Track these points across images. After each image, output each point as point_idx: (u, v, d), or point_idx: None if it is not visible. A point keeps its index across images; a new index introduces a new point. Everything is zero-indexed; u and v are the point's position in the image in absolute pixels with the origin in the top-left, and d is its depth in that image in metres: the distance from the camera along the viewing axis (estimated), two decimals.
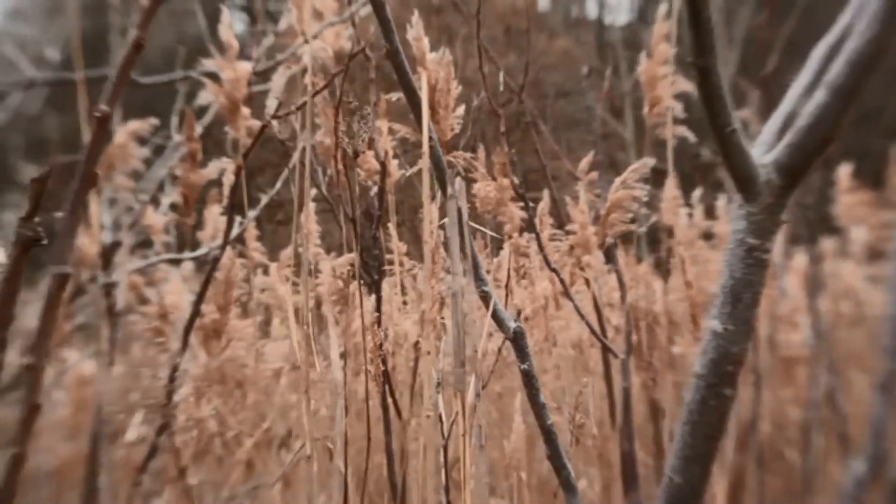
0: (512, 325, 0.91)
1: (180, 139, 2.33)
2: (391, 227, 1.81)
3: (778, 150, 0.84)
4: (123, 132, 1.61)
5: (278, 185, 2.27)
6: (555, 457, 0.92)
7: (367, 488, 1.18)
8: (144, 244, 2.41)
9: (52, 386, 2.56)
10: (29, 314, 2.26)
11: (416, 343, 2.08)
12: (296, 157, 2.22)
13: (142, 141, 1.94)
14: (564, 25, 7.90)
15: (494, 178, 2.02)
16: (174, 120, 2.36)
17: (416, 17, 1.34)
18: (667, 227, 2.63)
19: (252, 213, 1.98)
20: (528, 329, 2.24)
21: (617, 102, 6.67)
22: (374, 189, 1.72)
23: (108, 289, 1.59)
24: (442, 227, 1.78)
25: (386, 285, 2.16)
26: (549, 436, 0.91)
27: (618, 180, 1.56)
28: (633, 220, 1.67)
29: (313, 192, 2.25)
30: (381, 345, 1.12)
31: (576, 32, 7.86)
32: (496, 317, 0.93)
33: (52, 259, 0.55)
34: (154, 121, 1.71)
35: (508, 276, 1.74)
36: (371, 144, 1.69)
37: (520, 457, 1.85)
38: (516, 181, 1.82)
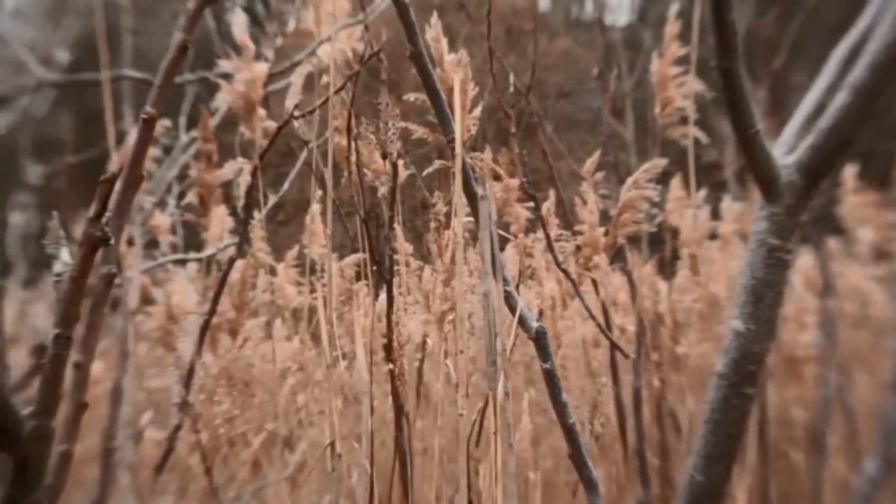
0: (534, 324, 0.92)
1: (187, 140, 2.33)
2: (396, 227, 1.82)
3: (800, 152, 0.85)
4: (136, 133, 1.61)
5: (285, 185, 2.28)
6: (577, 455, 0.93)
7: (375, 488, 1.19)
8: (150, 244, 2.41)
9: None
10: (35, 314, 2.26)
11: (424, 343, 2.09)
12: (302, 157, 2.23)
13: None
14: (565, 26, 7.91)
15: (499, 179, 2.03)
16: (181, 121, 2.36)
17: (434, 19, 1.35)
18: (670, 227, 2.65)
19: (260, 214, 1.99)
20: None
21: (618, 103, 6.68)
22: (380, 189, 1.72)
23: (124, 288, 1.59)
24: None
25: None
26: (571, 434, 0.92)
27: (629, 180, 1.57)
28: (642, 221, 1.68)
29: (318, 192, 2.26)
30: (402, 344, 1.12)
31: (576, 33, 7.87)
32: (519, 316, 0.94)
33: (102, 261, 0.55)
34: (166, 122, 1.71)
35: (520, 276, 1.74)
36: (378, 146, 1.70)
37: (526, 456, 1.86)
38: (524, 181, 1.82)
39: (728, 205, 2.61)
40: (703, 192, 2.64)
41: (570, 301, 2.45)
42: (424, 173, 1.49)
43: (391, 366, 1.21)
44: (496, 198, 2.08)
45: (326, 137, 1.28)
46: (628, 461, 1.97)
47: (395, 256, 1.87)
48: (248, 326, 2.15)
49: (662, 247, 2.82)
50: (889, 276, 2.44)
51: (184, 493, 1.83)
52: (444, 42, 1.39)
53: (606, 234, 2.07)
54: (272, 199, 2.16)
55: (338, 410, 1.07)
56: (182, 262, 2.21)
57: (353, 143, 1.59)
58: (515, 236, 2.22)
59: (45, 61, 2.02)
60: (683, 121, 1.76)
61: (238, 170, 1.42)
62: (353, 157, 1.56)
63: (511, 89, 1.74)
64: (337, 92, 1.27)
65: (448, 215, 1.57)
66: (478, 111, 1.42)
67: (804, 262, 2.56)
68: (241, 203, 1.36)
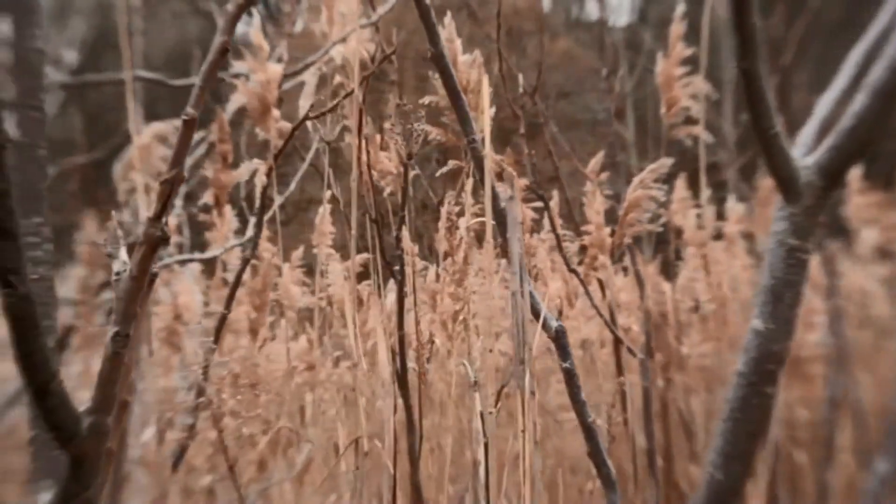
0: (554, 324, 0.92)
1: (195, 140, 2.33)
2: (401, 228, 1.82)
3: (819, 153, 0.86)
4: (148, 133, 1.62)
5: (292, 185, 2.29)
6: (595, 453, 0.93)
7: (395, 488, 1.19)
8: None
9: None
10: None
11: (432, 343, 2.09)
12: (309, 158, 2.23)
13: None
14: (565, 26, 7.93)
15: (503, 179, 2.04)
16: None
17: (448, 19, 1.36)
18: (673, 227, 2.65)
19: (267, 214, 1.99)
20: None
21: (618, 103, 6.68)
22: (385, 189, 1.73)
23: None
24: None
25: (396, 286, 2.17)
26: (589, 433, 0.92)
27: (635, 180, 1.58)
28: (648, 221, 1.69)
29: (328, 193, 2.26)
30: (423, 344, 1.12)
31: (576, 33, 7.88)
32: (538, 316, 0.94)
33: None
34: (177, 122, 1.72)
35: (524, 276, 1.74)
36: (384, 146, 1.71)
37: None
38: (532, 182, 1.83)
39: (732, 205, 2.62)
40: (707, 193, 2.64)
41: (575, 301, 2.45)
42: (438, 173, 1.49)
43: (413, 365, 1.21)
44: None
45: (331, 137, 1.29)
46: (636, 461, 1.98)
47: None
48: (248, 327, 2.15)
49: (664, 247, 2.82)
50: (893, 276, 2.45)
51: (190, 494, 1.83)
52: (458, 43, 1.40)
53: (612, 234, 2.08)
54: (278, 200, 2.16)
55: (363, 409, 1.08)
56: (189, 263, 2.21)
57: (363, 143, 1.60)
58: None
59: (53, 61, 2.02)
60: (687, 121, 1.77)
61: (253, 170, 1.43)
62: (364, 158, 1.57)
63: (521, 90, 1.75)
64: (349, 94, 1.27)
65: (460, 215, 1.57)
66: (492, 111, 1.42)
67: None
68: (255, 203, 1.36)
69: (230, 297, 1.40)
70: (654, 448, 1.63)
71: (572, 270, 1.69)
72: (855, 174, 2.32)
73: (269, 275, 1.51)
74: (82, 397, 1.65)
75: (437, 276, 2.17)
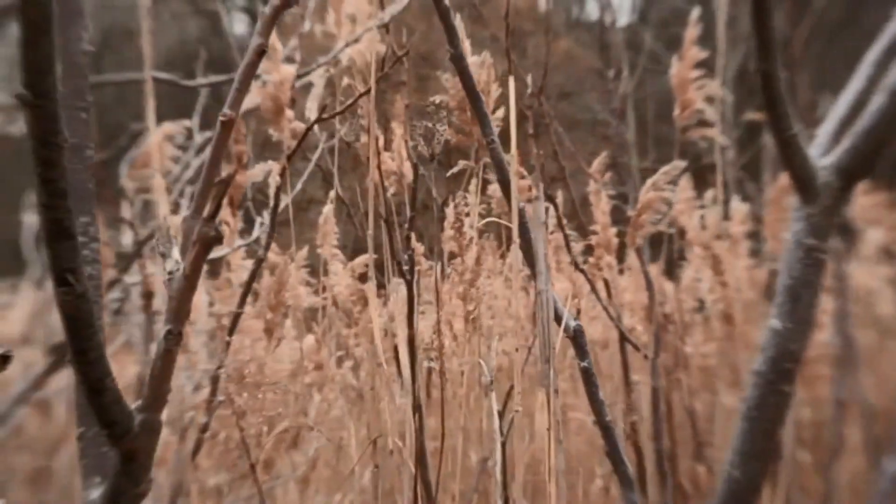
0: (572, 323, 0.93)
1: (202, 140, 2.34)
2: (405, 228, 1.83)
3: (837, 154, 0.86)
4: (158, 134, 1.63)
5: (298, 185, 2.29)
6: (613, 452, 0.94)
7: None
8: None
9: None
10: (50, 313, 2.26)
11: (439, 343, 2.09)
12: (315, 158, 2.24)
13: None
14: (566, 27, 7.94)
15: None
16: (195, 121, 2.37)
17: (458, 21, 1.36)
18: (678, 228, 2.66)
19: (273, 215, 2.00)
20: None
21: (618, 104, 6.67)
22: (389, 189, 1.74)
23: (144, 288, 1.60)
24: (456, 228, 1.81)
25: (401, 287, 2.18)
26: (607, 432, 0.93)
27: (648, 182, 1.58)
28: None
29: (332, 193, 2.27)
30: (443, 343, 1.13)
31: (577, 33, 7.89)
32: (556, 315, 0.95)
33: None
34: (187, 123, 1.72)
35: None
36: (388, 146, 1.71)
37: (540, 456, 1.87)
38: (540, 182, 1.83)
39: (736, 205, 2.62)
40: (710, 193, 2.65)
41: (580, 301, 2.46)
42: (449, 174, 1.50)
43: (433, 364, 1.22)
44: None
45: (351, 138, 1.29)
46: (642, 461, 1.99)
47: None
48: (256, 326, 2.15)
49: (664, 247, 2.83)
50: None
51: (199, 493, 1.84)
52: (468, 44, 1.40)
53: (618, 234, 2.08)
54: (285, 200, 2.17)
55: (388, 408, 1.08)
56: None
57: (375, 144, 1.60)
58: None
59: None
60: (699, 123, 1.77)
61: (268, 171, 1.44)
62: (375, 158, 1.58)
63: (529, 90, 1.75)
64: (366, 93, 1.28)
65: (479, 215, 1.58)
66: (501, 112, 1.43)
67: None
68: (268, 203, 1.37)
69: (243, 297, 1.41)
70: (662, 448, 1.64)
71: (581, 271, 1.69)
72: None
73: (283, 274, 1.52)
74: None
75: (443, 275, 2.18)
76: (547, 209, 2.08)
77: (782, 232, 1.94)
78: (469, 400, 1.70)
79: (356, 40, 1.39)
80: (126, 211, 2.30)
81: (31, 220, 2.67)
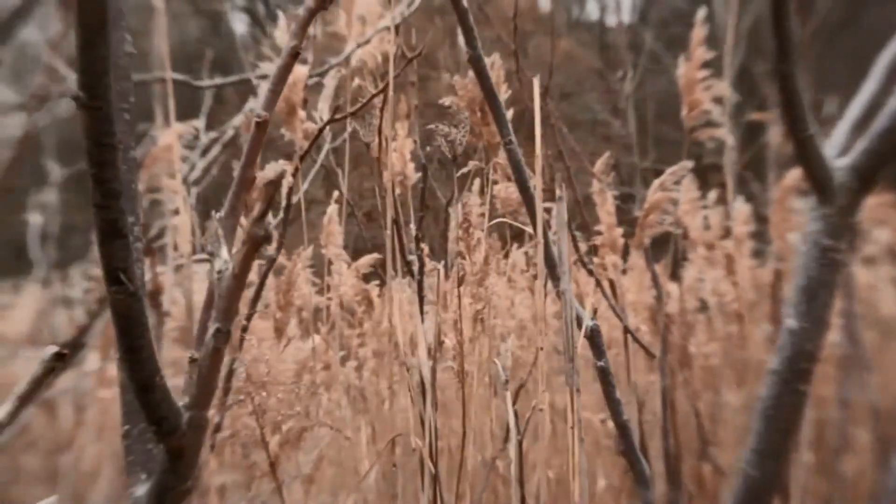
0: (589, 322, 0.94)
1: (207, 140, 2.34)
2: (413, 228, 1.83)
3: (854, 155, 0.87)
4: (169, 134, 1.63)
5: (304, 186, 2.29)
6: (629, 451, 0.94)
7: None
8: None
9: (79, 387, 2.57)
10: (56, 313, 2.26)
11: (442, 343, 2.10)
12: (321, 159, 2.24)
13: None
14: (566, 27, 7.94)
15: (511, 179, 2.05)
16: (201, 122, 2.37)
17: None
18: (682, 228, 2.66)
19: (286, 215, 2.00)
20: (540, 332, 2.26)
21: (619, 104, 6.70)
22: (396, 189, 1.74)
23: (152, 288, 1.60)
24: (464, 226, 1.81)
25: (405, 287, 2.18)
26: (624, 430, 0.94)
27: (656, 182, 1.59)
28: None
29: (336, 193, 2.27)
30: (462, 343, 1.13)
31: (577, 33, 7.90)
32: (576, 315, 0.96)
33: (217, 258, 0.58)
34: (197, 123, 1.73)
35: (546, 277, 1.76)
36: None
37: (546, 456, 1.87)
38: (548, 183, 1.84)
39: (740, 205, 2.63)
40: (713, 193, 2.66)
41: (584, 301, 2.46)
42: (459, 173, 1.51)
43: (454, 362, 1.22)
44: (511, 198, 2.10)
45: (371, 139, 1.30)
46: (649, 460, 1.99)
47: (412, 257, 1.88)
48: (261, 327, 2.16)
49: (667, 247, 2.83)
50: None
51: (204, 492, 1.84)
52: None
53: (624, 235, 2.09)
54: (294, 199, 2.17)
55: (412, 407, 1.09)
56: (204, 262, 2.22)
57: (384, 145, 1.61)
58: (532, 237, 2.23)
59: (70, 62, 2.02)
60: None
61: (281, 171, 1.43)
62: (385, 159, 1.58)
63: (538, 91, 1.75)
64: (375, 96, 1.28)
65: (482, 215, 1.59)
66: (510, 113, 1.43)
67: None
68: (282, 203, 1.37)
69: (256, 297, 1.41)
70: (670, 447, 1.64)
71: (590, 271, 1.70)
72: None
73: (292, 274, 1.52)
74: (101, 395, 1.66)
75: (447, 275, 2.18)
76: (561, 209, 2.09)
77: (788, 232, 1.94)
78: (478, 399, 1.70)
79: (367, 41, 1.39)
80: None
81: (36, 220, 2.68)
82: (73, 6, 0.34)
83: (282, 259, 2.53)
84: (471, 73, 1.43)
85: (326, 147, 2.17)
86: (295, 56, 0.54)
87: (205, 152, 2.31)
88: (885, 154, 0.86)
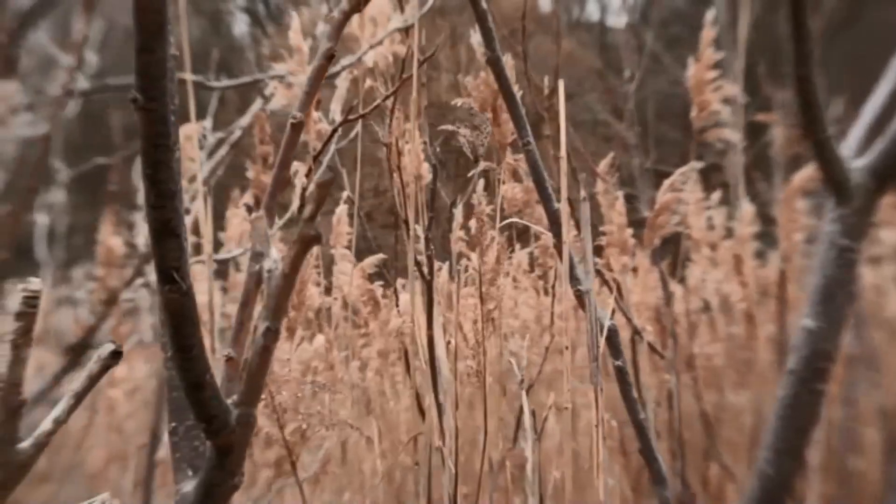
0: (607, 322, 0.94)
1: (214, 141, 2.35)
2: (419, 228, 1.84)
3: (871, 156, 0.88)
4: (180, 135, 1.63)
5: (311, 186, 2.29)
6: (646, 450, 0.95)
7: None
8: None
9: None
10: (63, 313, 2.26)
11: (449, 344, 2.10)
12: (327, 159, 2.25)
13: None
14: (567, 27, 7.95)
15: (520, 180, 2.06)
16: (208, 123, 2.38)
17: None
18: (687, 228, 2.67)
19: (302, 216, 2.00)
20: (558, 331, 2.27)
21: (619, 104, 6.70)
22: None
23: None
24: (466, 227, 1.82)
25: (410, 287, 2.19)
26: (641, 429, 0.94)
27: (666, 183, 1.60)
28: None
29: (344, 194, 2.28)
30: (481, 342, 1.14)
31: (577, 34, 7.91)
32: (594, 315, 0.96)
33: (251, 258, 0.58)
34: (207, 124, 1.73)
35: (555, 277, 1.77)
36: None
37: (553, 456, 1.88)
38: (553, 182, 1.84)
39: (745, 206, 2.64)
40: (717, 194, 2.67)
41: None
42: (470, 174, 1.51)
43: (473, 361, 1.23)
44: (517, 199, 2.11)
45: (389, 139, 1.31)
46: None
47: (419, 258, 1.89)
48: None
49: (671, 248, 2.84)
50: None
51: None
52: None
53: (633, 235, 2.09)
54: (296, 201, 2.18)
55: (434, 406, 1.09)
56: (214, 262, 2.22)
57: (396, 146, 1.62)
58: (538, 237, 2.24)
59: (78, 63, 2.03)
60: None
61: (294, 171, 1.44)
62: (396, 160, 1.59)
63: (546, 91, 1.77)
64: (390, 96, 1.29)
65: (492, 216, 1.59)
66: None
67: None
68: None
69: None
70: (678, 447, 1.65)
71: (598, 272, 1.71)
72: None
73: (305, 273, 1.53)
74: (110, 395, 1.66)
75: (451, 276, 2.19)
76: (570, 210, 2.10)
77: (795, 233, 1.95)
78: (479, 400, 1.71)
79: (379, 42, 1.40)
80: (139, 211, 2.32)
81: (43, 220, 2.68)
82: (132, 9, 0.35)
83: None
84: (481, 74, 1.44)
85: (332, 148, 2.18)
86: (330, 58, 0.54)
87: (211, 153, 2.31)
88: None
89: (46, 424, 0.48)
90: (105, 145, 2.91)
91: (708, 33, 1.69)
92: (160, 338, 0.65)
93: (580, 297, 0.95)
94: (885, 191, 0.88)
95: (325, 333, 2.48)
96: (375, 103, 1.28)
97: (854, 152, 0.93)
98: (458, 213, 2.25)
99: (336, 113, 1.37)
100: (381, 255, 2.34)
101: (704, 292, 2.69)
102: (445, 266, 2.11)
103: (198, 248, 2.58)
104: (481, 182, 1.71)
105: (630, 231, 2.03)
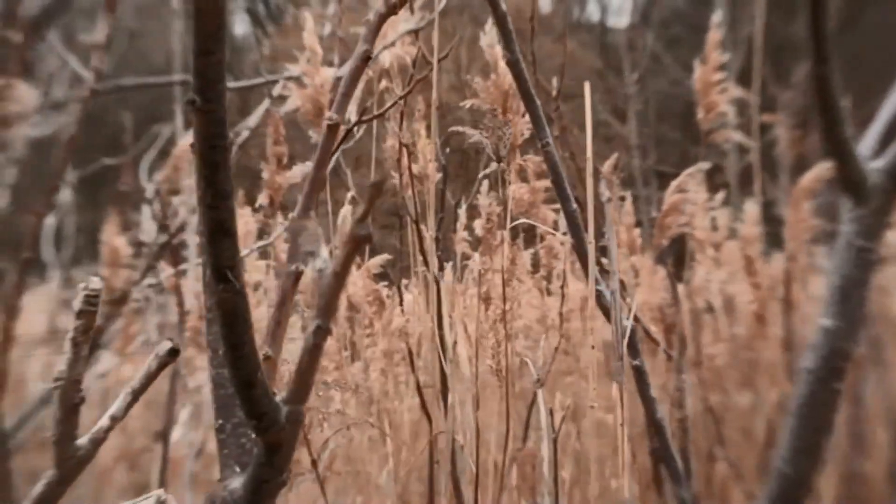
0: (627, 322, 0.95)
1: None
2: (424, 228, 1.85)
3: (889, 157, 0.88)
4: (189, 136, 1.63)
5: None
6: (664, 449, 0.96)
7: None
8: (180, 245, 2.43)
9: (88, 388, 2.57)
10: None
11: (455, 344, 2.11)
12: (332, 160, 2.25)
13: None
14: (568, 28, 7.95)
15: (526, 181, 2.07)
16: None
17: (489, 25, 1.38)
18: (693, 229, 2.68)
19: (291, 217, 2.01)
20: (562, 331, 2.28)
21: (619, 104, 6.72)
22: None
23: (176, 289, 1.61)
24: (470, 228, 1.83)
25: (413, 288, 2.20)
26: (659, 429, 0.95)
27: (674, 184, 1.61)
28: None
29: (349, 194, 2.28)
30: (500, 342, 1.15)
31: (578, 35, 7.93)
32: (606, 313, 0.97)
33: (289, 258, 0.59)
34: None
35: (564, 278, 1.78)
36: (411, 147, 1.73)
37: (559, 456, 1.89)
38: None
39: (749, 206, 2.65)
40: (720, 195, 2.68)
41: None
42: (481, 175, 1.52)
43: (492, 361, 1.24)
44: (523, 200, 2.12)
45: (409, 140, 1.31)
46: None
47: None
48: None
49: (674, 248, 2.84)
50: None
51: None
52: (498, 48, 1.42)
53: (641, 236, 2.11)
54: (301, 202, 2.18)
55: (459, 406, 1.10)
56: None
57: (404, 147, 1.62)
58: (543, 238, 2.25)
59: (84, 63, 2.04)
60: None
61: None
62: (407, 161, 1.60)
63: (554, 93, 1.77)
64: (402, 97, 1.30)
65: (501, 216, 1.60)
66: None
67: (823, 262, 2.61)
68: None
69: (291, 296, 1.42)
70: (688, 446, 1.66)
71: (605, 272, 1.71)
72: None
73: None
74: (117, 394, 1.65)
75: (455, 276, 2.20)
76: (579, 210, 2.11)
77: (804, 233, 1.96)
78: (495, 398, 1.71)
79: (392, 44, 1.40)
80: (146, 212, 2.32)
81: (49, 221, 2.69)
82: (190, 13, 0.36)
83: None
84: (491, 76, 1.45)
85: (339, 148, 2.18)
86: (367, 59, 0.55)
87: None
88: None
89: (104, 421, 0.49)
90: (106, 146, 2.91)
91: (714, 35, 1.69)
92: (206, 337, 0.66)
93: (601, 298, 0.95)
94: None
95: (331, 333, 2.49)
96: (391, 103, 1.29)
97: (871, 153, 0.93)
98: (463, 213, 2.27)
99: (351, 113, 1.37)
100: (386, 256, 2.34)
101: (709, 293, 2.69)
102: (448, 266, 2.12)
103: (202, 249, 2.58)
104: (485, 183, 1.72)
105: (638, 231, 2.04)
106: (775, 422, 2.12)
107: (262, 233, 2.15)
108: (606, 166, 2.40)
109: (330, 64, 1.32)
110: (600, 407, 2.13)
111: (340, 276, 0.39)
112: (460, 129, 1.24)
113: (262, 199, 1.29)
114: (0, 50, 1.33)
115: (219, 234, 0.41)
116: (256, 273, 2.40)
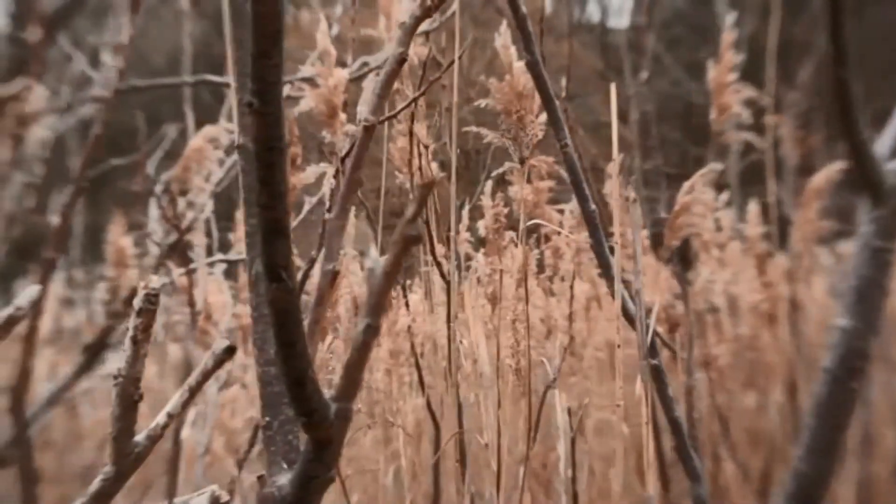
0: (650, 323, 0.96)
1: (229, 141, 2.35)
2: (433, 230, 1.85)
3: None
4: (200, 137, 1.65)
5: (324, 187, 2.30)
6: (681, 447, 0.96)
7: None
8: (186, 245, 2.43)
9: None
10: (76, 313, 2.26)
11: (472, 345, 2.12)
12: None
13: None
14: (569, 28, 7.94)
15: (530, 181, 2.07)
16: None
17: (504, 26, 1.39)
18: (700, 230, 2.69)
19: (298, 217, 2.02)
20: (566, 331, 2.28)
21: (622, 105, 6.71)
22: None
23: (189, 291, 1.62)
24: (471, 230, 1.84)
25: (416, 289, 2.20)
26: (676, 427, 0.96)
27: (686, 185, 1.62)
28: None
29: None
30: (519, 342, 1.16)
31: (580, 35, 7.92)
32: (626, 314, 0.98)
33: (325, 258, 0.59)
34: (230, 125, 1.75)
35: (573, 278, 1.78)
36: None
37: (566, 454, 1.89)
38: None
39: (753, 207, 2.66)
40: (725, 195, 2.69)
41: (601, 303, 2.50)
42: (494, 174, 1.53)
43: (511, 360, 1.24)
44: (527, 200, 2.12)
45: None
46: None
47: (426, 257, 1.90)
48: None
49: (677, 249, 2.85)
50: None
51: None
52: (513, 50, 1.43)
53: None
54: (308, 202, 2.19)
55: (480, 404, 1.11)
56: (225, 263, 2.24)
57: (413, 148, 1.63)
58: (548, 238, 2.25)
59: (93, 64, 2.04)
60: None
61: (322, 173, 1.46)
62: (416, 161, 1.61)
63: (563, 94, 1.78)
64: (417, 98, 1.30)
65: (509, 216, 1.61)
66: (543, 116, 1.45)
67: (825, 261, 2.62)
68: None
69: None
70: (696, 446, 1.67)
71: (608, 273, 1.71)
72: None
73: (343, 272, 1.54)
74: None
75: (459, 277, 2.20)
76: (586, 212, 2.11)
77: (812, 234, 1.97)
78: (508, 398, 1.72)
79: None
80: (153, 211, 2.32)
81: (55, 221, 2.68)
82: (250, 17, 0.36)
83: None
84: (507, 77, 1.45)
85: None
86: (402, 62, 0.56)
87: (226, 153, 2.32)
88: None
89: (161, 418, 0.49)
90: (110, 146, 2.91)
91: (728, 36, 1.70)
92: (252, 336, 0.66)
93: (624, 301, 0.96)
94: None
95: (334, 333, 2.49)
96: (405, 104, 1.29)
97: (888, 154, 0.94)
98: (465, 214, 2.27)
99: (364, 114, 1.38)
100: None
101: (713, 293, 2.70)
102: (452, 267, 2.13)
103: (209, 250, 2.60)
104: (488, 183, 1.73)
105: (646, 232, 2.05)
106: (780, 421, 2.13)
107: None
108: (612, 167, 2.41)
109: (342, 65, 1.32)
110: (605, 406, 2.14)
111: (390, 276, 0.40)
112: (475, 129, 1.24)
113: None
114: (17, 50, 1.33)
115: (274, 234, 0.42)
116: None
